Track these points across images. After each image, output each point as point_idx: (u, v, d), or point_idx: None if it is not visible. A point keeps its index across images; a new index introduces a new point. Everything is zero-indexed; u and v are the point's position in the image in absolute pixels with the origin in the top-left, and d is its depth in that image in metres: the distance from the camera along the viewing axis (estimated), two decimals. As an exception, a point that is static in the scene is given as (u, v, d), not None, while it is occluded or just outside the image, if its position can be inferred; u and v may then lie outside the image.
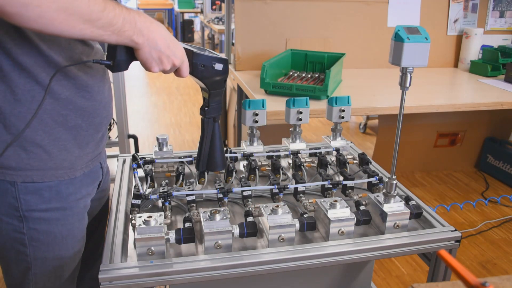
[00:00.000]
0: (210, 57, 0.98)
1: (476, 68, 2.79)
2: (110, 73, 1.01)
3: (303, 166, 1.33)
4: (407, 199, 1.18)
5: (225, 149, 1.31)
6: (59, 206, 0.98)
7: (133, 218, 1.06)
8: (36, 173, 0.94)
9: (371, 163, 1.41)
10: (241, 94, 2.65)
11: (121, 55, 0.90)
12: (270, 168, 1.34)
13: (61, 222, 1.00)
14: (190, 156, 1.34)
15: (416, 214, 1.12)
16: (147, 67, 0.91)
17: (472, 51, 2.86)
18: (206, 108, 1.04)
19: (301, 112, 1.43)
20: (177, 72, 0.96)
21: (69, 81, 0.93)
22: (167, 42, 0.90)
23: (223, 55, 0.97)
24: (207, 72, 0.98)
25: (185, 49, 0.96)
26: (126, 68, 0.92)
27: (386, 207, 1.07)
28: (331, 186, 1.20)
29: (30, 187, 0.94)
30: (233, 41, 2.67)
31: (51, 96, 0.91)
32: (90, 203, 1.09)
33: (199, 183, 1.26)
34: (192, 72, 0.98)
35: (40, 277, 1.03)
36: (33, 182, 0.94)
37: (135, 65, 0.96)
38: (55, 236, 1.00)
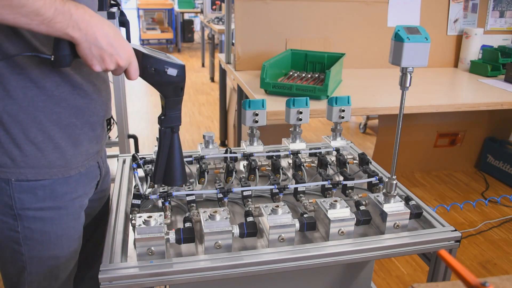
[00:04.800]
0: (163, 61, 0.90)
1: (476, 68, 2.79)
2: (109, 72, 1.00)
3: (303, 166, 1.33)
4: (407, 199, 1.18)
5: (184, 161, 1.14)
6: (53, 205, 0.98)
7: (133, 218, 1.06)
8: (30, 171, 0.93)
9: (371, 163, 1.41)
10: (241, 94, 2.65)
11: (62, 50, 0.84)
12: (270, 168, 1.34)
13: (56, 222, 0.99)
14: (190, 156, 1.34)
15: (416, 214, 1.12)
16: (88, 65, 0.86)
17: (472, 51, 2.86)
18: (163, 117, 0.96)
19: (301, 112, 1.43)
20: (125, 73, 0.91)
21: (63, 78, 0.92)
22: (110, 40, 0.85)
23: (180, 61, 0.93)
24: (159, 77, 0.91)
25: (135, 49, 0.90)
26: (69, 64, 0.86)
27: (386, 207, 1.07)
28: (331, 186, 1.20)
29: (25, 186, 0.94)
30: (233, 41, 2.67)
31: (44, 93, 0.91)
32: (87, 203, 1.09)
33: (199, 183, 1.26)
34: (143, 76, 0.92)
35: (35, 277, 1.02)
36: (28, 180, 0.94)
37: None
38: (50, 236, 0.99)
